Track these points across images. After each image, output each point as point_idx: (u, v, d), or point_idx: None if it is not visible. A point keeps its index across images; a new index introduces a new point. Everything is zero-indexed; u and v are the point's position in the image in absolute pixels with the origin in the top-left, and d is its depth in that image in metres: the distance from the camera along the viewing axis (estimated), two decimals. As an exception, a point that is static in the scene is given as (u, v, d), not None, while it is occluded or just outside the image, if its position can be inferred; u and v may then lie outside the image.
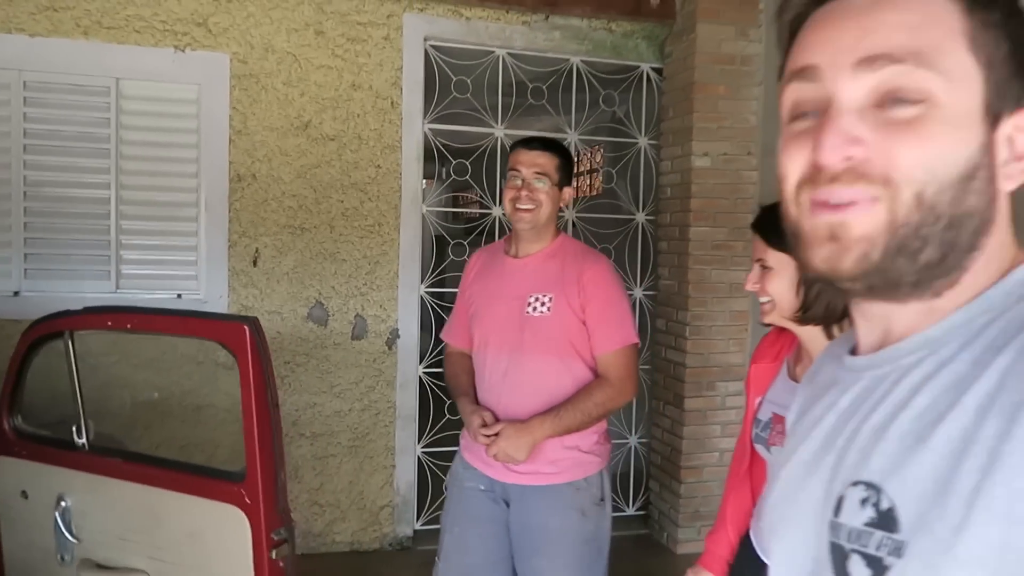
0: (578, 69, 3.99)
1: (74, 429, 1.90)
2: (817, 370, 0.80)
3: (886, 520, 0.55)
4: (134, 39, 3.45)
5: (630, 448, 4.26)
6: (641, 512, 4.25)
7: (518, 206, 2.00)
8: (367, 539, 3.81)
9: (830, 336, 1.40)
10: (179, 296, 3.54)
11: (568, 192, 2.09)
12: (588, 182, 5.99)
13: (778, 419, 1.49)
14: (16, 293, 3.36)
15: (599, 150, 5.75)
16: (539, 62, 3.97)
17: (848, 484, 0.60)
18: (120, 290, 3.48)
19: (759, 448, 1.56)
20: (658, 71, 4.07)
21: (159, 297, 3.50)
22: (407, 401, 3.81)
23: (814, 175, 0.59)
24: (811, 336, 1.44)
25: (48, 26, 3.36)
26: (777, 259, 1.44)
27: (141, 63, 3.45)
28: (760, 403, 1.58)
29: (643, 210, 4.19)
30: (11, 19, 3.32)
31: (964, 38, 0.57)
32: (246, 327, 1.58)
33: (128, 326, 1.82)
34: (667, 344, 3.99)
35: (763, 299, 1.48)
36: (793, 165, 0.61)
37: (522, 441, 1.91)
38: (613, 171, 4.45)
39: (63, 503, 1.90)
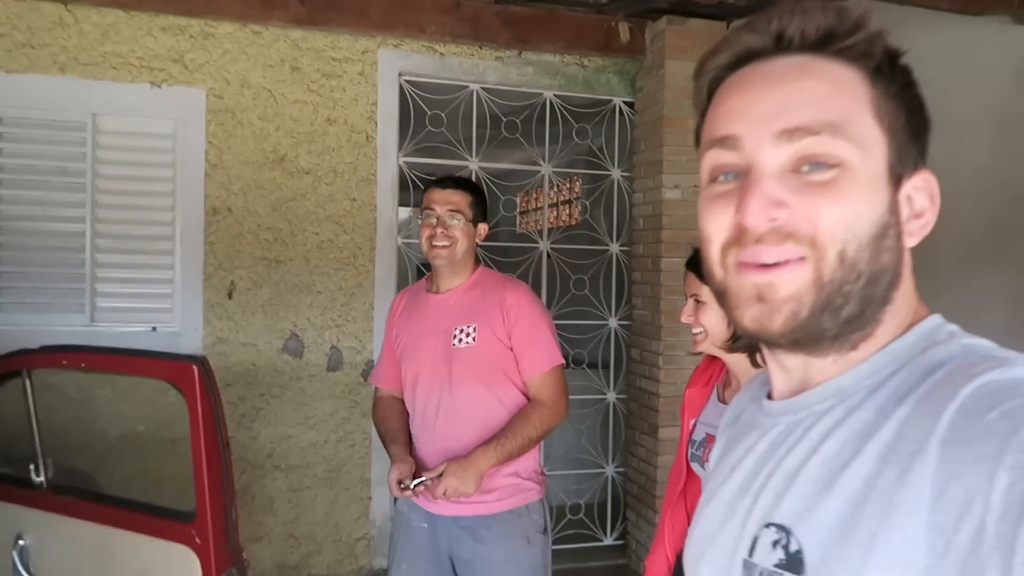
0: (551, 103, 4.06)
1: (32, 468, 1.91)
2: (739, 411, 0.83)
3: (794, 562, 0.58)
4: (111, 75, 3.50)
5: (607, 478, 4.27)
6: (619, 542, 4.25)
7: (434, 243, 2.05)
8: (343, 571, 3.80)
9: (755, 363, 1.53)
10: (154, 329, 3.56)
11: (483, 228, 2.15)
12: (567, 212, 6.05)
13: (710, 438, 1.61)
14: (-11, 327, 3.38)
15: (577, 180, 5.82)
16: (513, 96, 4.03)
17: (762, 525, 0.63)
18: (95, 323, 3.50)
19: (695, 466, 1.68)
20: (630, 105, 4.14)
21: (133, 330, 3.52)
22: (382, 432, 3.81)
23: (739, 236, 0.61)
24: (737, 362, 1.59)
25: (25, 63, 3.41)
26: (709, 294, 1.57)
27: (118, 99, 3.50)
28: (694, 425, 1.72)
29: (617, 241, 4.24)
30: (-12, 57, 3.37)
31: (870, 107, 0.61)
32: (194, 366, 1.61)
33: (82, 365, 1.84)
34: (641, 374, 4.02)
35: (696, 330, 1.62)
36: (716, 227, 0.63)
37: (468, 474, 1.91)
38: (587, 203, 4.51)
39: (21, 542, 1.90)
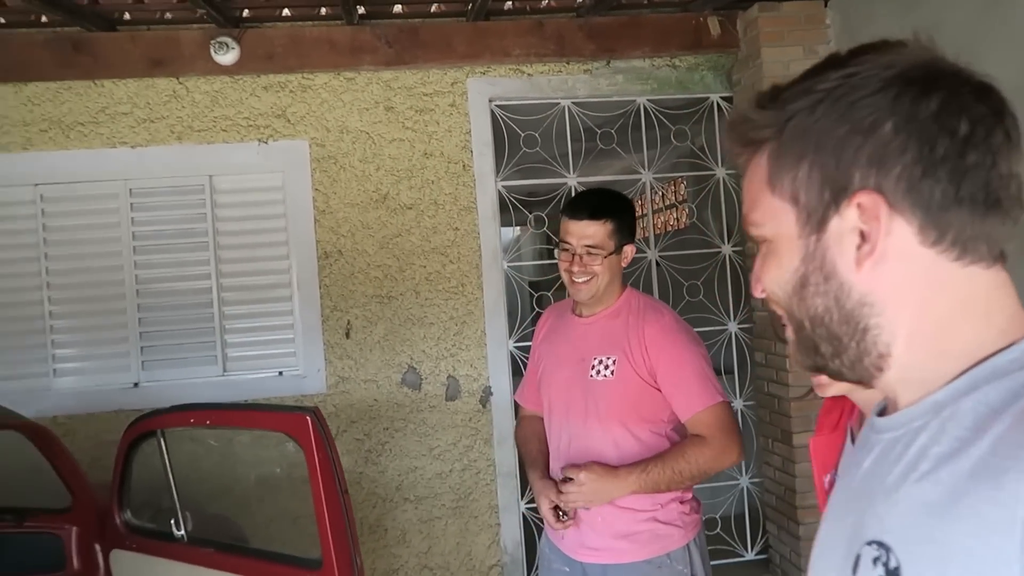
0: (645, 108, 3.96)
1: (173, 522, 2.01)
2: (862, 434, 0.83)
3: None
4: (222, 138, 3.71)
5: (741, 489, 4.08)
6: (762, 556, 4.04)
7: (574, 279, 1.91)
8: (479, 599, 3.81)
9: None
10: (280, 373, 3.72)
11: (629, 250, 1.97)
12: (674, 216, 5.89)
13: None
14: (136, 384, 3.63)
15: (681, 183, 5.66)
16: (605, 107, 3.97)
17: (864, 543, 0.64)
18: (227, 372, 3.70)
19: None
20: (728, 100, 3.98)
21: (262, 376, 3.69)
22: (506, 458, 3.81)
23: None
24: (874, 397, 1.30)
25: (147, 136, 3.67)
26: None
27: (230, 158, 3.70)
28: (831, 480, 1.39)
29: (729, 242, 4.07)
30: (115, 135, 3.65)
31: (767, 186, 0.68)
32: (308, 417, 1.64)
33: (208, 422, 1.93)
34: (768, 378, 3.82)
35: None
36: None
37: (604, 483, 1.78)
38: (694, 205, 4.36)
39: (169, 592, 2.01)
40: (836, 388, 1.26)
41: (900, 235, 0.62)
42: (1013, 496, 0.52)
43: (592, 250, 1.89)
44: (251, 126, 3.72)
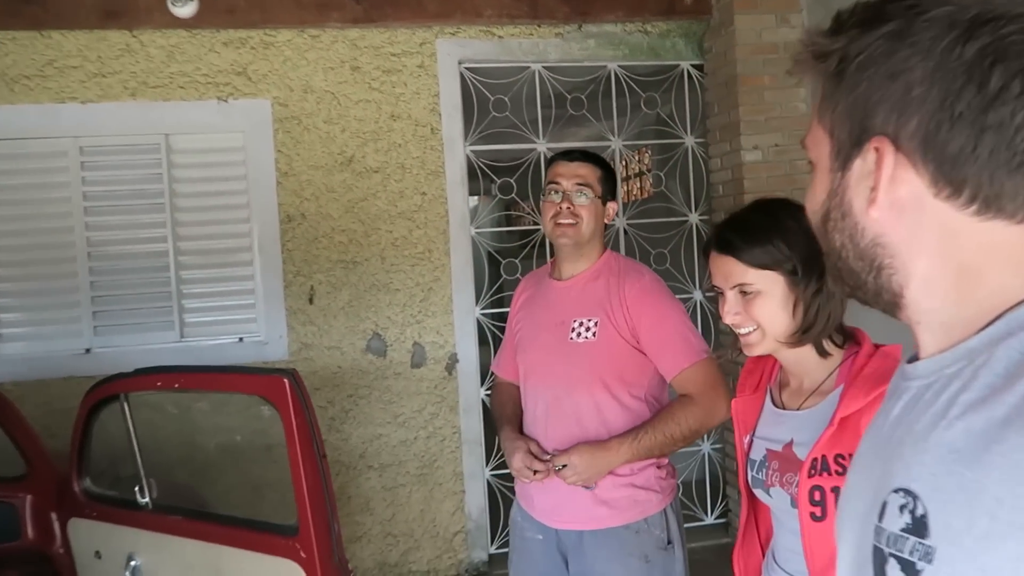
0: (616, 74, 3.92)
1: (137, 489, 1.94)
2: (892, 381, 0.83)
3: (919, 526, 0.58)
4: (179, 95, 3.55)
5: (703, 455, 4.14)
6: (721, 520, 4.12)
7: (559, 221, 1.87)
8: (443, 566, 3.80)
9: (823, 351, 1.28)
10: (241, 339, 3.62)
11: (612, 207, 1.96)
12: (638, 185, 5.89)
13: (772, 455, 1.32)
14: (88, 350, 3.49)
15: (646, 151, 5.65)
16: (576, 72, 3.92)
17: (890, 490, 0.63)
18: (185, 338, 3.58)
19: (758, 493, 1.36)
20: (698, 68, 3.96)
21: (221, 342, 3.59)
22: (471, 425, 3.79)
23: None
24: (799, 357, 1.30)
25: (98, 92, 3.49)
26: (764, 279, 1.26)
27: (187, 117, 3.55)
28: (750, 441, 1.39)
29: (696, 210, 4.08)
30: (64, 89, 3.47)
31: (816, 113, 0.68)
32: (285, 380, 1.59)
33: (176, 385, 1.86)
34: (731, 345, 3.86)
35: (746, 329, 1.28)
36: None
37: (597, 461, 1.76)
38: (662, 174, 4.35)
39: (133, 562, 1.94)
40: (761, 348, 1.31)
41: (912, 185, 0.61)
42: None
43: (583, 188, 1.88)
44: (210, 83, 3.58)
